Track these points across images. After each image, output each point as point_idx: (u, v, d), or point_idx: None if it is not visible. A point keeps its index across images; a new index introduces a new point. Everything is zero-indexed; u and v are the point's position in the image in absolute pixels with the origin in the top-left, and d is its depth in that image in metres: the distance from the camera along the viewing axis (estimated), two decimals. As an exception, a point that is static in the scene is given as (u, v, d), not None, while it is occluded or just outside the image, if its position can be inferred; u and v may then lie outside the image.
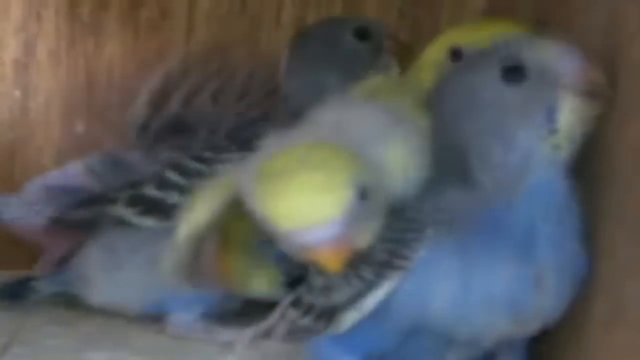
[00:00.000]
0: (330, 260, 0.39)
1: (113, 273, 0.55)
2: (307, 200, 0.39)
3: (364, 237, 0.40)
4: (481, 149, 0.40)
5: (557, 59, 0.40)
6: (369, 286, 0.41)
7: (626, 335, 0.39)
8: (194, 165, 0.52)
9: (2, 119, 0.65)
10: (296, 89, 0.56)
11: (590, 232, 0.41)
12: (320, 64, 0.55)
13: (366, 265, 0.41)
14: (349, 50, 0.56)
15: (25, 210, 0.60)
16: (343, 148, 0.41)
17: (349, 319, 0.41)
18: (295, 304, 0.45)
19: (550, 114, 0.39)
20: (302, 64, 0.56)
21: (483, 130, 0.40)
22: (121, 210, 0.53)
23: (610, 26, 0.43)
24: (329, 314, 0.42)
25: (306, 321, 0.44)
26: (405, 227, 0.41)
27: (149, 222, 0.53)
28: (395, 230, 0.41)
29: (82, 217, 0.56)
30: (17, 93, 0.65)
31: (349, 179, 0.39)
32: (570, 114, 0.39)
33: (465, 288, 0.40)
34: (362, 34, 0.56)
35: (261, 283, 0.51)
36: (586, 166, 0.44)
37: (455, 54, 0.53)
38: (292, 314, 0.45)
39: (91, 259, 0.56)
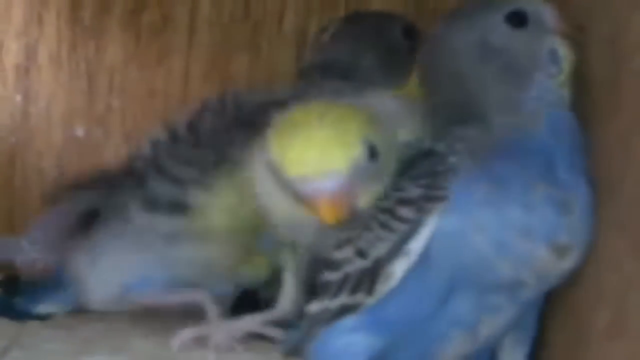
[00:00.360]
0: (329, 211, 0.41)
1: (96, 260, 0.55)
2: (317, 151, 0.41)
3: (365, 198, 0.42)
4: (498, 92, 0.42)
5: (543, 7, 0.44)
6: (414, 225, 0.41)
7: (628, 346, 0.39)
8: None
9: (3, 123, 0.65)
10: (334, 68, 0.56)
11: (595, 243, 0.42)
12: (365, 49, 0.56)
13: (403, 206, 0.42)
14: (396, 45, 0.57)
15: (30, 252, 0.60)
16: (361, 109, 0.44)
17: (399, 269, 0.42)
18: (323, 287, 0.45)
19: (554, 56, 0.43)
20: (347, 45, 0.57)
21: (498, 74, 0.43)
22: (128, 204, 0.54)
23: (615, 36, 0.44)
24: (372, 274, 0.43)
25: (341, 299, 0.43)
26: (432, 162, 0.42)
27: (160, 219, 0.53)
28: (421, 167, 0.42)
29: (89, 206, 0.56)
30: (18, 98, 0.65)
31: (360, 137, 0.41)
32: (565, 56, 0.43)
33: (502, 215, 0.41)
34: (410, 33, 0.57)
35: (252, 270, 0.53)
36: (591, 177, 0.44)
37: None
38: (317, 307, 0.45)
39: (80, 261, 0.56)
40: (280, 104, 0.51)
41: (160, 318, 0.57)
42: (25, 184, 0.65)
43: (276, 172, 0.44)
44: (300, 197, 0.43)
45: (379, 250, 0.42)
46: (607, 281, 0.41)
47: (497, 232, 0.41)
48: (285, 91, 0.58)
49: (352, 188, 0.42)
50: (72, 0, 0.64)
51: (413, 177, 0.43)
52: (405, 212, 0.42)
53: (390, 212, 0.42)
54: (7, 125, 0.65)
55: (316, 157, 0.42)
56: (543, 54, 0.43)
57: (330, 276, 0.44)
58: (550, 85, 0.43)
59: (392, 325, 0.43)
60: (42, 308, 0.58)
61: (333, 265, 0.44)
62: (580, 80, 0.46)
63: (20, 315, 0.57)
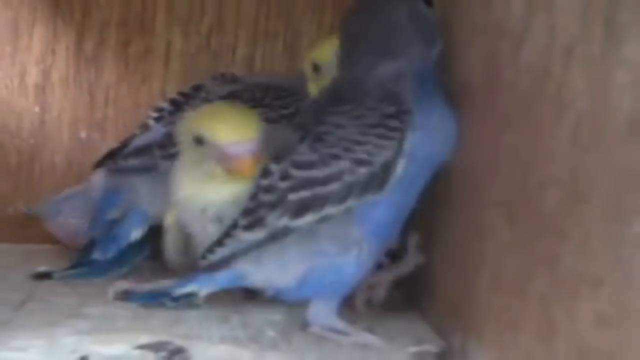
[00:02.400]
0: (249, 166, 0.52)
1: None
2: (239, 124, 0.53)
3: (262, 161, 0.52)
4: (419, 45, 0.54)
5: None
6: (403, 133, 0.50)
7: (503, 298, 0.46)
8: None
9: (25, 128, 0.72)
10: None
11: (476, 215, 0.51)
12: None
13: (387, 118, 0.50)
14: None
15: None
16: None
17: (399, 167, 0.50)
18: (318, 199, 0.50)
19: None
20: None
21: (421, 34, 0.54)
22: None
23: (489, 51, 0.52)
24: (382, 174, 0.50)
25: (347, 203, 0.49)
26: (385, 90, 0.52)
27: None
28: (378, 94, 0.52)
29: (135, 165, 0.62)
30: (37, 109, 0.72)
31: (259, 124, 0.54)
32: None
33: (440, 123, 0.52)
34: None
35: None
36: (464, 169, 0.54)
37: (315, 68, 0.63)
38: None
39: None
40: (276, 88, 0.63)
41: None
42: (42, 175, 0.73)
43: (203, 144, 0.53)
44: (224, 159, 0.52)
45: (384, 155, 0.50)
46: (488, 246, 0.49)
47: (451, 126, 0.53)
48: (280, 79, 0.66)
49: (259, 151, 0.53)
50: (77, 36, 0.71)
51: (379, 99, 0.51)
52: (393, 123, 0.50)
53: (382, 126, 0.50)
54: (28, 130, 0.72)
55: (238, 128, 0.53)
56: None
57: (325, 189, 0.50)
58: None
59: (397, 204, 0.52)
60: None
61: (324, 180, 0.50)
62: (462, 87, 0.55)
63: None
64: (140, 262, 0.63)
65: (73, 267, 0.61)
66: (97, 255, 0.61)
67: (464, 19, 0.56)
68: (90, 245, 0.62)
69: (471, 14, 0.54)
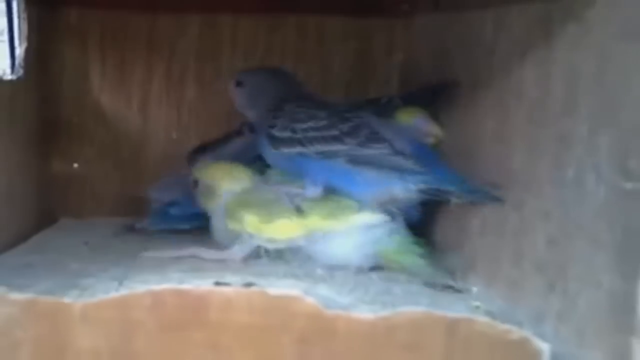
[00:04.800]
0: None
1: None
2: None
3: None
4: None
5: None
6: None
7: (488, 240, 0.59)
8: None
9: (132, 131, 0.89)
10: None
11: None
12: None
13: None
14: None
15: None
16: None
17: None
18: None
19: None
20: None
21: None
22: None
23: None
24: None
25: None
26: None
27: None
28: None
29: None
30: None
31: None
32: None
33: None
34: None
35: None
36: (458, 148, 0.68)
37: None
38: None
39: None
40: None
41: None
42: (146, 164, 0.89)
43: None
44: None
45: None
46: (476, 203, 0.61)
47: None
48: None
49: None
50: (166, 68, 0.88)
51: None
52: None
53: None
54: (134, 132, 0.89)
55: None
56: None
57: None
58: None
59: None
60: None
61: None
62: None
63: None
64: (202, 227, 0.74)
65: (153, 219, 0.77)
66: (173, 211, 0.76)
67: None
68: (170, 204, 0.77)
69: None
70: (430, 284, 0.61)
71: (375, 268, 0.65)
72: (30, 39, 0.73)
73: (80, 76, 0.87)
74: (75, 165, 0.88)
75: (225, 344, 0.45)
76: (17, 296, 0.45)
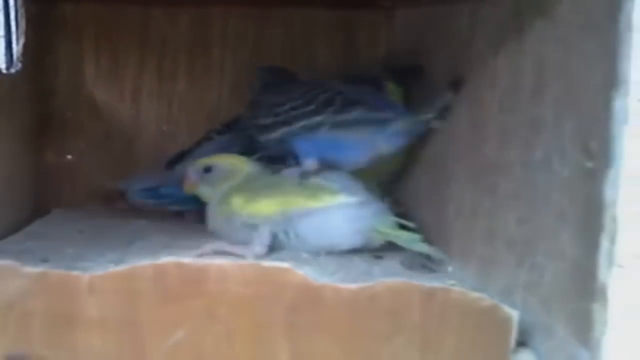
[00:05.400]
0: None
1: None
2: None
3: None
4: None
5: None
6: None
7: (463, 222, 0.62)
8: None
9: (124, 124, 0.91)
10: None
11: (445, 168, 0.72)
12: None
13: None
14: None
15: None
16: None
17: None
18: None
19: None
20: None
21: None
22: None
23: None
24: None
25: None
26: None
27: None
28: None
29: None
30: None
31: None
32: None
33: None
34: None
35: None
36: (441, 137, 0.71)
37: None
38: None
39: None
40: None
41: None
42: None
43: None
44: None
45: None
46: (452, 189, 0.66)
47: None
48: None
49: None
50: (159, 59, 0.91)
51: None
52: None
53: None
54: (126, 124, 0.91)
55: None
56: None
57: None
58: None
59: None
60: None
61: None
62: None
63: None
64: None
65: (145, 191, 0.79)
66: (164, 191, 0.78)
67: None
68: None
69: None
70: (408, 265, 0.65)
71: (361, 250, 0.67)
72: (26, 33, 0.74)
73: (74, 70, 0.90)
74: (69, 157, 0.91)
75: (221, 312, 0.49)
76: (29, 269, 0.49)
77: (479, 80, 0.63)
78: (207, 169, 0.74)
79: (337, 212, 0.67)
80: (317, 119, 0.71)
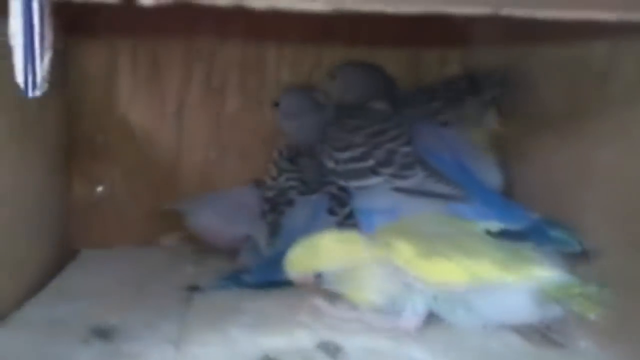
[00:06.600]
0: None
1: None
2: None
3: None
4: None
5: None
6: None
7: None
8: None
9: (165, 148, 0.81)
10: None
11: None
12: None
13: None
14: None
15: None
16: None
17: None
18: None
19: None
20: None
21: None
22: None
23: None
24: None
25: None
26: None
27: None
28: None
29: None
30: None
31: None
32: None
33: None
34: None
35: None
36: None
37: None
38: None
39: None
40: None
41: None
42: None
43: None
44: None
45: None
46: None
47: None
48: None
49: None
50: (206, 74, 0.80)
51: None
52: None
53: None
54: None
55: None
56: None
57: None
58: None
59: None
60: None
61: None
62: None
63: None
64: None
65: (222, 281, 0.65)
66: (247, 278, 0.64)
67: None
68: (243, 269, 0.67)
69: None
70: (526, 335, 0.54)
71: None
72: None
73: (104, 89, 0.78)
74: (100, 188, 0.79)
75: None
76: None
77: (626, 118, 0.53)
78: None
79: (531, 286, 0.53)
80: (373, 181, 0.66)
